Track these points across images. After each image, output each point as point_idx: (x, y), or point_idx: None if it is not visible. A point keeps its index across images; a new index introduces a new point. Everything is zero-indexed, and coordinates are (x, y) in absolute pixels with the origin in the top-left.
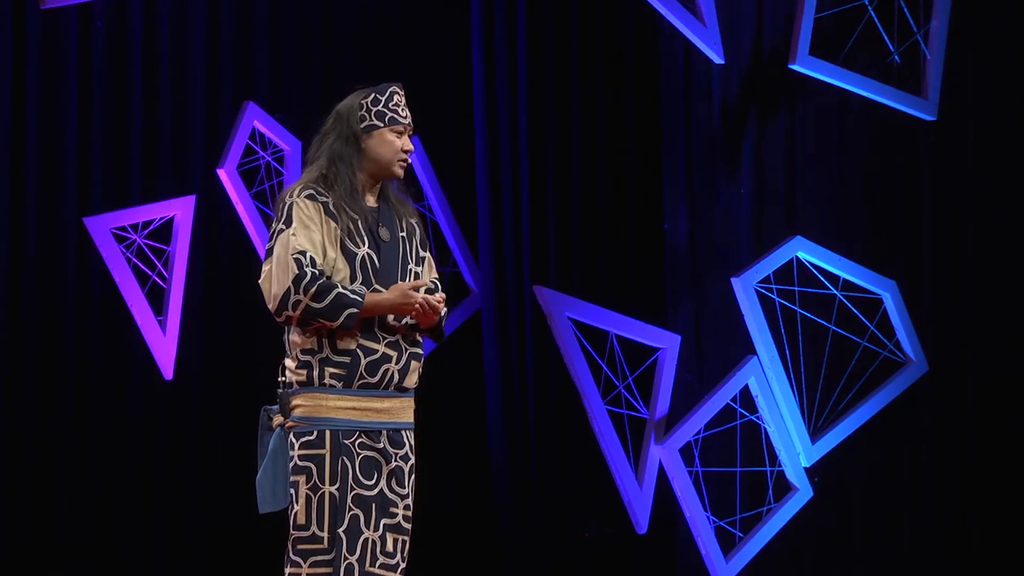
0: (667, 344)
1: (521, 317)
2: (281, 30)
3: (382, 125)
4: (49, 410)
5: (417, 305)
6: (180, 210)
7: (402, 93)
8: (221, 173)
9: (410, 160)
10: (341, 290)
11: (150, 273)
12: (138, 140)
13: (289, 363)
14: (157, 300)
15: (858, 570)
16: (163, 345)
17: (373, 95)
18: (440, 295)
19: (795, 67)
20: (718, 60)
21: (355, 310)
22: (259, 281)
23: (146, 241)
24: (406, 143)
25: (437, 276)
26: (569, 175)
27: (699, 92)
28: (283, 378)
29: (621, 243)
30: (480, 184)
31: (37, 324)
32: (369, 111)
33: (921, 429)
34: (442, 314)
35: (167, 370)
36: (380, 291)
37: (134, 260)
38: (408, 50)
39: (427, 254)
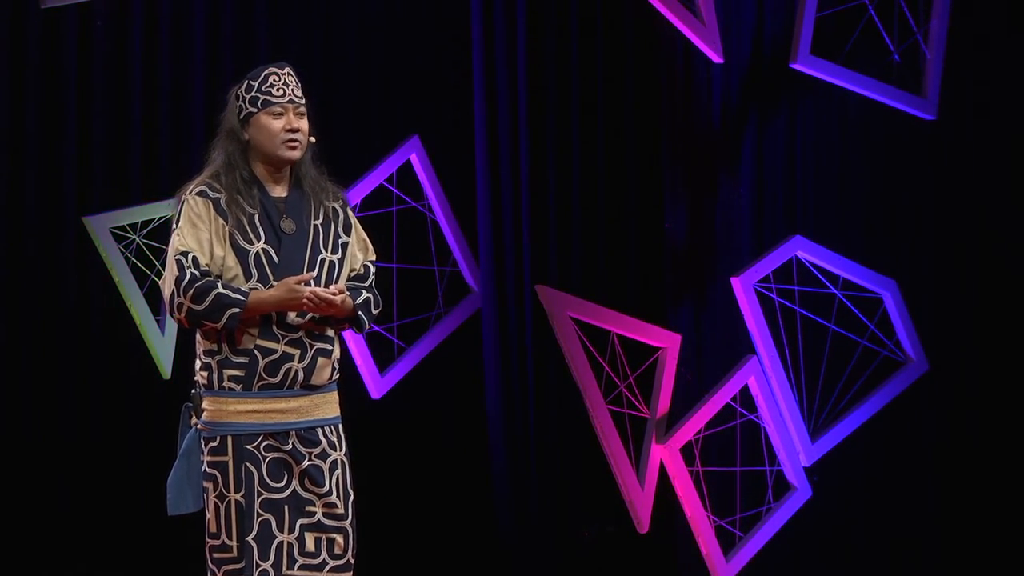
0: (668, 344)
1: (521, 317)
2: (282, 30)
3: (256, 110)
4: (48, 409)
5: (305, 300)
6: None
7: (283, 72)
8: None
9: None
10: (221, 290)
11: (149, 272)
12: (138, 140)
13: (196, 364)
14: (156, 299)
15: (858, 570)
16: (162, 344)
17: (247, 82)
18: (335, 286)
19: (796, 66)
20: (718, 59)
21: (236, 310)
22: (160, 282)
23: (145, 240)
24: (290, 121)
25: (373, 258)
26: (569, 175)
27: (699, 92)
28: (195, 377)
29: (621, 243)
30: (480, 184)
31: (36, 323)
32: (244, 99)
33: (921, 429)
34: (357, 301)
35: (165, 369)
36: (274, 286)
37: (133, 259)
38: (408, 50)
39: (351, 238)
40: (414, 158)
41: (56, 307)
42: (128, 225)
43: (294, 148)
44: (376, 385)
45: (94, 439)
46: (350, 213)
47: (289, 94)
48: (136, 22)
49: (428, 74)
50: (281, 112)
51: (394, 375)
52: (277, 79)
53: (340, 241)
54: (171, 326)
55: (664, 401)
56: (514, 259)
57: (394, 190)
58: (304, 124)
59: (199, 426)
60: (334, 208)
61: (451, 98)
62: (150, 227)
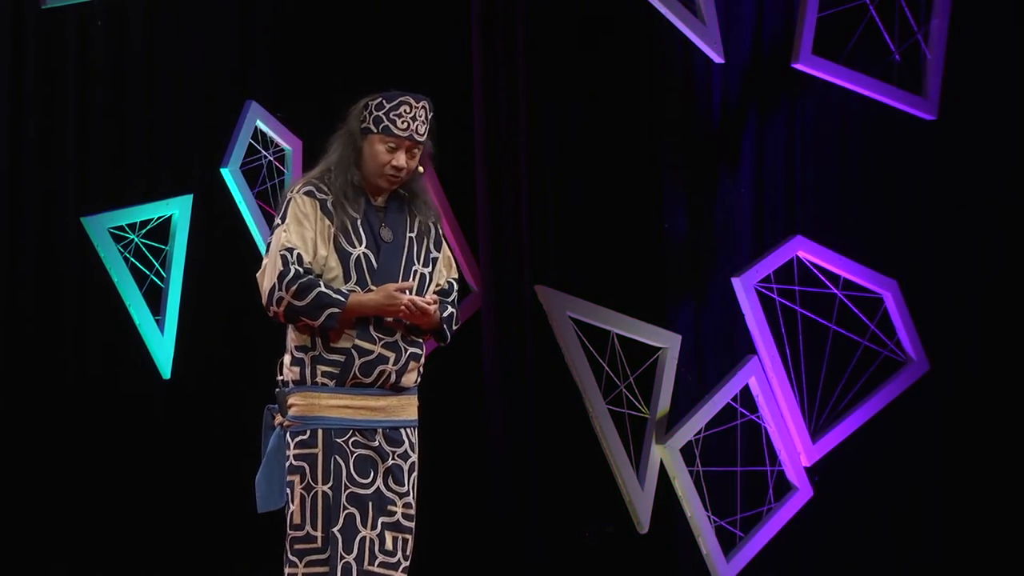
0: (668, 344)
1: (521, 317)
2: (281, 31)
3: (374, 131)
4: (47, 409)
5: (403, 307)
6: (178, 209)
7: (416, 105)
8: (225, 172)
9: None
10: (323, 289)
11: (148, 272)
12: (138, 140)
13: (285, 360)
14: (155, 299)
15: (858, 570)
16: (160, 344)
17: (380, 99)
18: (430, 296)
19: (798, 66)
20: (718, 59)
21: (336, 310)
22: (256, 275)
23: (144, 240)
24: (398, 159)
25: (456, 276)
26: (569, 175)
27: (699, 91)
28: (280, 376)
29: (621, 243)
30: (480, 184)
31: (35, 324)
32: (370, 114)
33: (921, 429)
34: (443, 315)
35: (165, 369)
36: (372, 291)
37: (132, 259)
38: (408, 49)
39: (440, 254)
40: None
41: (56, 307)
42: (127, 225)
43: (392, 183)
44: None
45: (93, 439)
46: (441, 230)
47: (411, 130)
48: (136, 22)
49: (428, 74)
50: (395, 147)
51: None
52: (408, 111)
53: (431, 256)
54: (170, 326)
55: (664, 401)
56: (514, 259)
57: None
58: (412, 164)
59: (285, 423)
60: (427, 224)
61: (451, 99)
62: (148, 227)
